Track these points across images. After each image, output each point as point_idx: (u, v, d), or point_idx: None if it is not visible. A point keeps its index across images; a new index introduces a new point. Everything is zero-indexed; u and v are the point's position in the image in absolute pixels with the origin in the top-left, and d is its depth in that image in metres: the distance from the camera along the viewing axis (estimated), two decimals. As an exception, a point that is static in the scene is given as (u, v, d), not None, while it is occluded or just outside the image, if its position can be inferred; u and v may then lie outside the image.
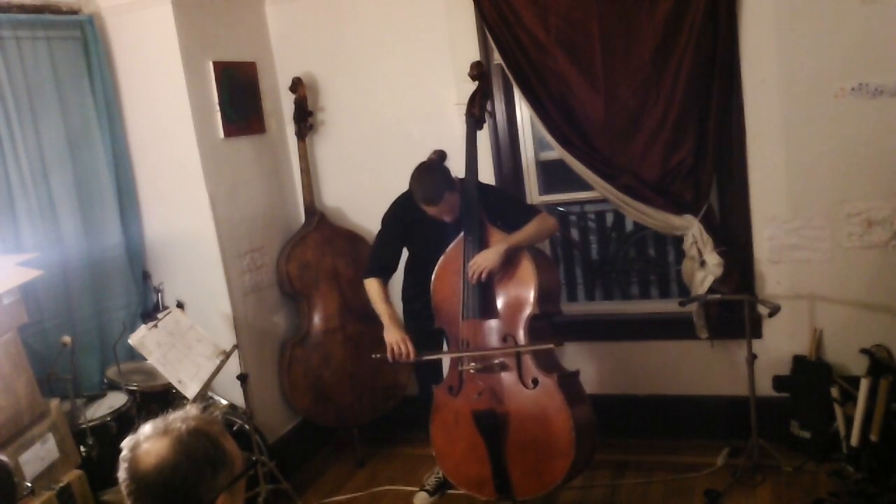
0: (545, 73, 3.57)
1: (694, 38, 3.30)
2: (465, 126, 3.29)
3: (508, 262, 3.10)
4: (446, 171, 3.19)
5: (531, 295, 3.08)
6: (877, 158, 3.25)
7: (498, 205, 3.28)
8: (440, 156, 3.26)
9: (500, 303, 3.14)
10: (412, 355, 3.19)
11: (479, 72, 3.35)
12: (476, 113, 3.30)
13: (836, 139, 3.30)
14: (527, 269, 3.10)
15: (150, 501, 1.41)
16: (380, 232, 3.45)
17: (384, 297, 3.31)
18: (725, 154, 3.47)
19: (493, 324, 3.15)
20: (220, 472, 1.44)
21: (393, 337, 3.21)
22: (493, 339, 3.14)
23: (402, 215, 3.34)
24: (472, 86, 3.38)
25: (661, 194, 3.48)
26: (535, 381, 3.04)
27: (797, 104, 3.33)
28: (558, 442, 2.98)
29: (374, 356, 3.33)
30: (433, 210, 3.16)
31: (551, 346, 3.06)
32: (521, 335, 3.09)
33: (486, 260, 3.06)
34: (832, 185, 3.34)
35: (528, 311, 3.08)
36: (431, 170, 3.19)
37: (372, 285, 3.34)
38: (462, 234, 3.20)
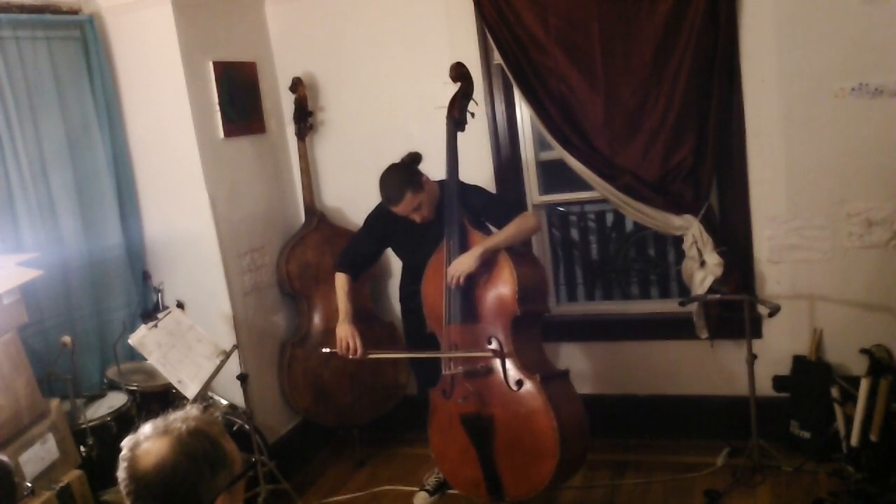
0: (545, 73, 3.56)
1: (694, 38, 3.30)
2: (444, 128, 3.28)
3: (487, 265, 3.09)
4: (412, 172, 3.19)
5: (511, 296, 3.06)
6: (877, 158, 3.25)
7: (480, 204, 3.28)
8: (411, 157, 3.24)
9: (481, 306, 3.14)
10: (359, 351, 3.23)
11: (459, 73, 3.33)
12: (456, 115, 3.29)
13: (836, 139, 3.30)
14: (505, 270, 3.09)
15: (149, 501, 1.41)
16: (360, 229, 3.49)
17: (346, 291, 3.38)
18: (725, 154, 3.47)
19: (475, 327, 3.14)
20: (220, 472, 1.44)
21: (343, 332, 3.27)
22: (478, 342, 3.13)
23: (385, 216, 3.34)
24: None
25: (661, 194, 3.48)
26: (520, 383, 3.03)
27: (797, 104, 3.33)
28: (543, 443, 2.98)
29: (323, 350, 3.42)
30: (397, 209, 3.17)
31: (488, 355, 3.06)
32: (504, 337, 3.08)
33: (461, 264, 3.07)
34: (832, 185, 3.34)
35: (509, 312, 3.07)
36: (394, 170, 3.20)
37: (339, 279, 3.41)
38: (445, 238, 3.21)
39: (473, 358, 3.11)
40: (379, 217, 3.40)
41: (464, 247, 3.14)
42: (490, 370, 3.09)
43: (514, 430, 3.04)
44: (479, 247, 3.08)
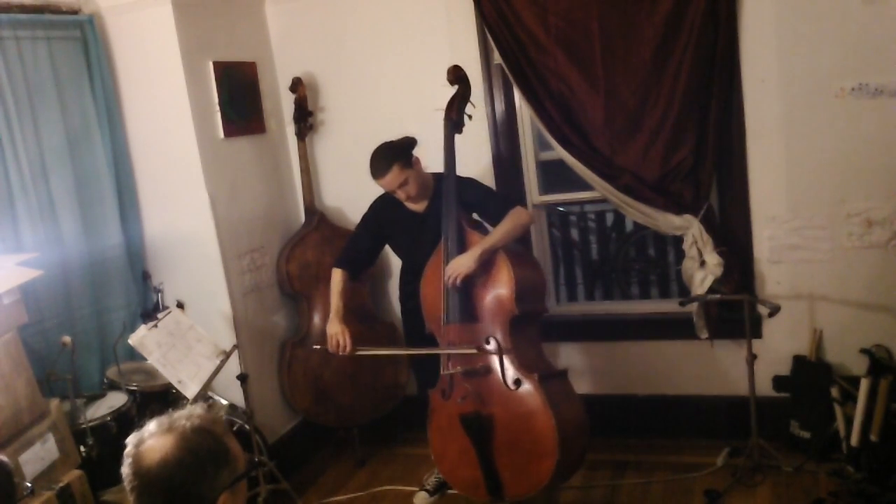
0: (545, 73, 3.57)
1: (694, 38, 3.31)
2: (443, 130, 3.29)
3: (485, 265, 3.10)
4: (403, 149, 3.21)
5: (509, 296, 3.07)
6: (877, 158, 3.26)
7: (476, 199, 3.29)
8: (406, 139, 3.27)
9: (479, 306, 3.14)
10: (349, 348, 3.25)
11: (457, 76, 3.33)
12: (454, 117, 3.29)
13: (836, 139, 3.30)
14: (503, 271, 3.09)
15: (153, 497, 1.41)
16: (356, 226, 3.51)
17: (340, 289, 3.38)
18: (725, 154, 3.47)
19: (474, 327, 3.14)
20: (223, 470, 1.45)
21: (333, 329, 3.28)
22: (476, 342, 3.13)
23: (380, 212, 3.39)
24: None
25: (661, 194, 3.48)
26: (518, 382, 3.03)
27: (797, 104, 3.33)
28: (542, 442, 2.97)
29: (315, 346, 3.46)
30: (383, 182, 3.19)
31: (481, 352, 3.08)
32: (502, 337, 3.08)
33: (460, 265, 3.07)
34: (832, 185, 3.35)
35: (507, 312, 3.08)
36: (385, 145, 3.24)
37: (335, 275, 3.42)
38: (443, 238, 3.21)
39: (472, 358, 3.11)
40: (374, 213, 3.43)
41: (462, 247, 3.14)
42: (489, 370, 3.08)
43: (513, 430, 3.04)
44: (478, 247, 3.08)
